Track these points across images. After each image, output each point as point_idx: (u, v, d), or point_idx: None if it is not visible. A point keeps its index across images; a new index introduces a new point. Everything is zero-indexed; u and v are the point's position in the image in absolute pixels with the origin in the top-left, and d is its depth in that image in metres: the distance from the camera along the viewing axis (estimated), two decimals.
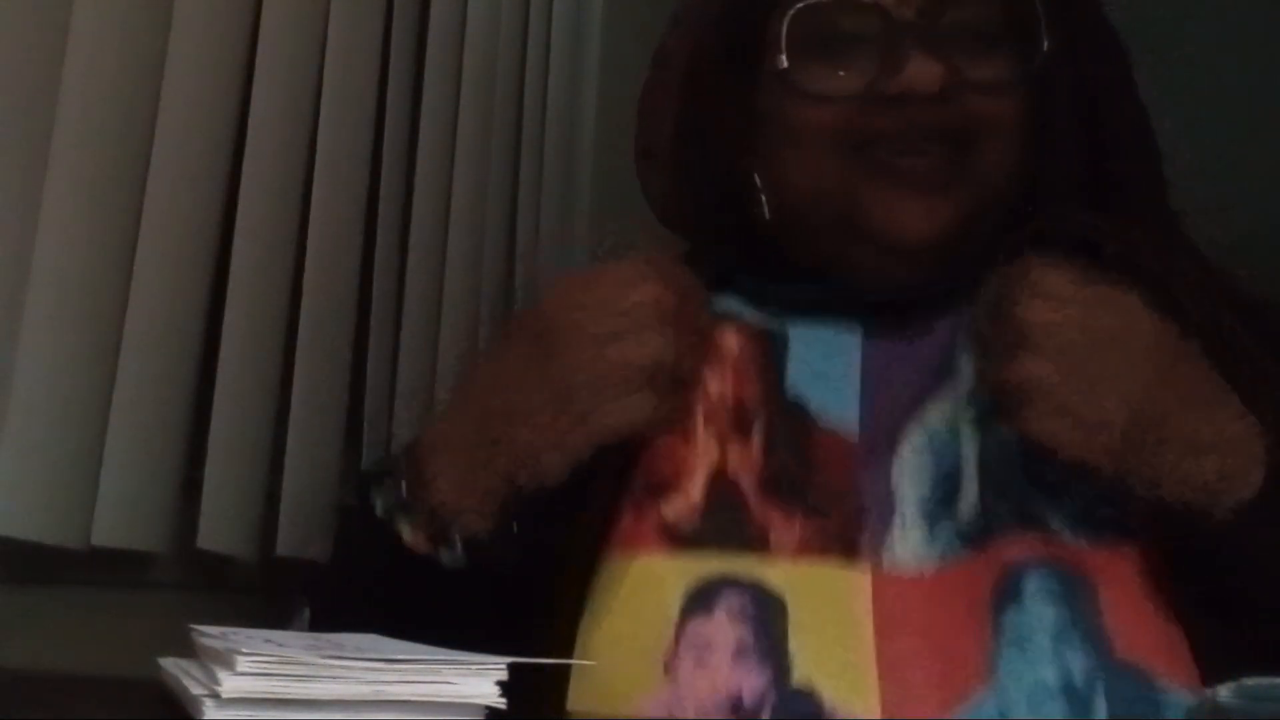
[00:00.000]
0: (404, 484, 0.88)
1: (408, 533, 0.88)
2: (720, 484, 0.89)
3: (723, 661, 0.83)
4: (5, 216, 1.06)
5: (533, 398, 0.85)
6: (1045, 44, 0.91)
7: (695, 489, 0.89)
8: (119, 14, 1.11)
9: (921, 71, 0.88)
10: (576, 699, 0.85)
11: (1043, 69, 0.91)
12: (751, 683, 0.83)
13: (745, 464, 0.89)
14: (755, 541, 0.86)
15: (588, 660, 0.84)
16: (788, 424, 0.90)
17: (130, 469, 1.13)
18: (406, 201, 1.38)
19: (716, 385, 0.91)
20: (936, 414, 0.89)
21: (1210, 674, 0.78)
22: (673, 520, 0.88)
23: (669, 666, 0.84)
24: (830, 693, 0.82)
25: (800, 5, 0.91)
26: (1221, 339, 0.86)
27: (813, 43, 0.92)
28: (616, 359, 0.85)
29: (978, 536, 0.85)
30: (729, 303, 0.96)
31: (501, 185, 1.50)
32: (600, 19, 1.68)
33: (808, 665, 0.83)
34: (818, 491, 0.88)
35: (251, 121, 1.21)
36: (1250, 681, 0.67)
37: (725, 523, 0.87)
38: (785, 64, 0.91)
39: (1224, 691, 0.67)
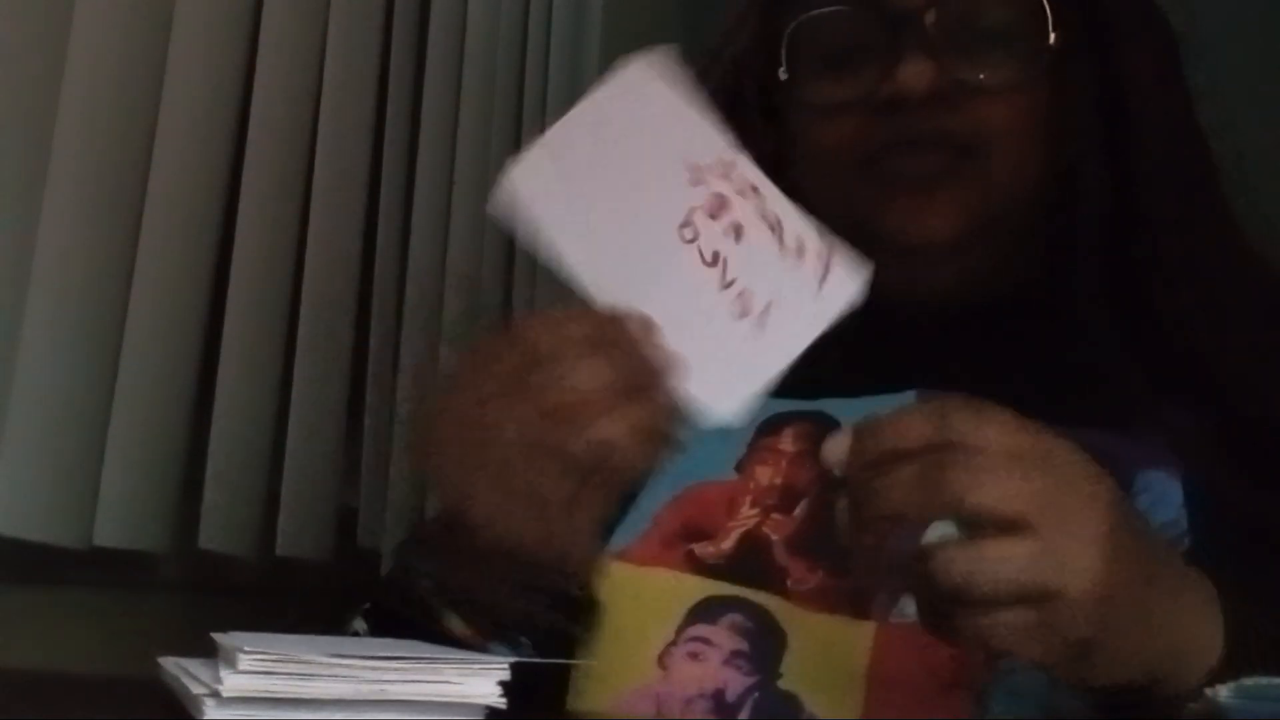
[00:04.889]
0: (446, 571, 0.82)
1: (458, 625, 0.82)
2: (753, 538, 0.88)
3: (715, 660, 0.84)
4: (5, 216, 1.06)
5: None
6: (1053, 40, 0.88)
7: (728, 542, 0.89)
8: (119, 14, 1.11)
9: (911, 74, 0.88)
10: (576, 689, 0.85)
11: (1057, 65, 0.89)
12: (737, 682, 0.83)
13: (782, 527, 0.89)
14: (772, 584, 0.86)
15: (588, 652, 0.85)
16: (834, 498, 0.89)
17: (130, 469, 1.13)
18: (407, 201, 1.37)
19: (768, 476, 0.91)
20: None
21: None
22: (699, 555, 0.88)
23: (664, 659, 0.85)
24: (812, 701, 0.82)
25: (801, 18, 0.92)
26: None
27: (815, 55, 0.92)
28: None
29: None
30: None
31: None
32: (600, 19, 1.68)
33: (795, 679, 0.83)
34: (845, 550, 0.87)
35: (251, 121, 1.21)
36: (1250, 681, 0.67)
37: (748, 565, 0.87)
38: (785, 76, 0.92)
39: (1224, 691, 0.67)
